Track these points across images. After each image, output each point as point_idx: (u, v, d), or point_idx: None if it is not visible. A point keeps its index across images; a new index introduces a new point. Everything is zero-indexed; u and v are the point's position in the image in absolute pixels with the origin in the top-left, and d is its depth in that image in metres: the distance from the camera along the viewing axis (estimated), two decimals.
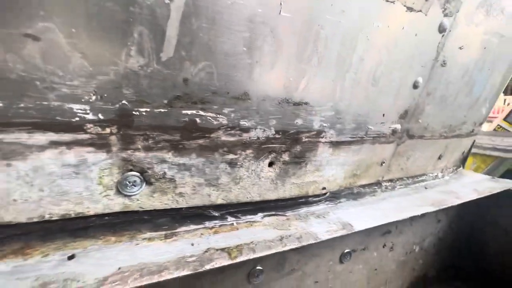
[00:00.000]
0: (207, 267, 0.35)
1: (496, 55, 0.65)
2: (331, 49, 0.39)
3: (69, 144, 0.30)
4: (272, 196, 0.47)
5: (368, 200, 0.61)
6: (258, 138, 0.40)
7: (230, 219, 0.44)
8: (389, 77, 0.47)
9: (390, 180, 0.68)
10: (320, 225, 0.49)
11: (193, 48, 0.31)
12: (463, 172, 0.97)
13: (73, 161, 0.31)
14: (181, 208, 0.40)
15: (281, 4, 0.33)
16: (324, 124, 0.45)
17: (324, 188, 0.53)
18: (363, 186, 0.62)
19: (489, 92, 0.76)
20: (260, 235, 0.43)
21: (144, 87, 0.30)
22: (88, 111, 0.29)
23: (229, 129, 0.37)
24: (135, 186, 0.35)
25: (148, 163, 0.35)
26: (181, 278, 0.44)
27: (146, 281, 0.31)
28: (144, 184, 0.36)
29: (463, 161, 0.99)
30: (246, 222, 0.45)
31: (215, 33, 0.31)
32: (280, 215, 0.49)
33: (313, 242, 0.45)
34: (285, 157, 0.44)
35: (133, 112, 0.31)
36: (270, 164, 0.44)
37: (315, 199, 0.53)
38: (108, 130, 0.31)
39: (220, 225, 0.43)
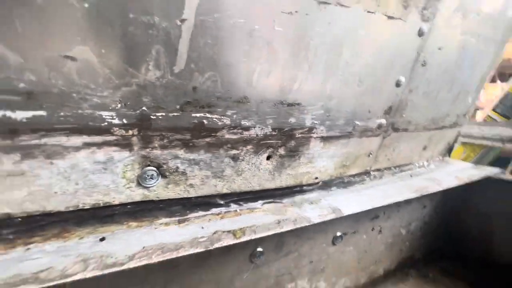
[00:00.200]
0: (216, 245, 0.41)
1: (475, 53, 0.71)
2: (320, 56, 0.44)
3: (99, 145, 0.35)
4: (270, 185, 0.53)
5: (357, 188, 0.68)
6: (257, 135, 0.46)
7: (233, 206, 0.50)
8: (373, 78, 0.53)
9: (378, 170, 0.75)
10: (313, 210, 0.55)
11: (201, 61, 0.36)
12: (449, 160, 1.04)
13: (102, 159, 0.36)
14: (191, 197, 0.46)
15: (274, 20, 0.38)
16: (315, 122, 0.51)
17: (316, 178, 0.59)
18: (353, 175, 0.68)
19: (470, 87, 0.82)
20: (260, 220, 0.49)
21: (160, 95, 0.36)
22: (114, 117, 0.34)
23: (232, 128, 0.43)
24: (152, 179, 0.41)
25: (164, 159, 0.40)
26: (193, 259, 0.51)
27: (167, 256, 0.37)
28: (160, 177, 0.42)
29: (449, 150, 1.06)
30: (248, 208, 0.52)
31: (219, 48, 0.36)
32: (277, 202, 0.55)
33: (307, 224, 0.52)
34: (281, 151, 0.50)
35: (151, 116, 0.37)
36: (268, 158, 0.50)
37: (308, 187, 0.59)
38: (130, 132, 0.36)
39: (225, 212, 0.49)
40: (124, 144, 0.37)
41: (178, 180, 0.43)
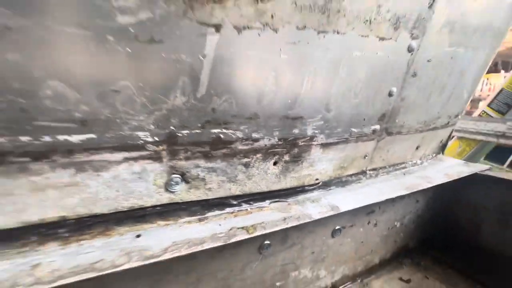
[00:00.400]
0: (233, 240, 0.49)
1: (464, 61, 0.77)
2: (319, 75, 0.51)
3: (135, 159, 0.42)
4: (276, 187, 0.61)
5: (354, 186, 0.75)
6: (265, 145, 0.53)
7: (245, 205, 0.58)
8: (367, 90, 0.60)
9: (374, 169, 0.82)
10: (314, 208, 0.63)
11: (219, 87, 0.43)
12: (442, 158, 1.11)
13: (138, 170, 0.43)
14: (209, 199, 0.54)
15: (280, 50, 0.44)
16: (316, 131, 0.57)
17: (317, 179, 0.66)
18: (350, 175, 0.76)
19: (462, 90, 0.88)
20: (268, 217, 0.57)
21: (185, 116, 0.43)
22: (148, 136, 0.41)
23: (244, 140, 0.50)
24: (177, 185, 0.49)
25: (187, 168, 0.48)
26: (209, 250, 0.58)
27: (193, 249, 0.45)
28: (184, 183, 0.49)
29: (442, 148, 1.12)
30: (257, 207, 0.59)
31: (233, 75, 0.43)
32: (283, 201, 0.63)
33: (309, 220, 0.59)
34: (286, 157, 0.57)
35: (178, 134, 0.43)
36: (275, 163, 0.57)
37: (310, 188, 0.67)
38: (160, 148, 0.43)
39: (238, 211, 0.56)
40: (156, 157, 0.44)
41: (198, 185, 0.51)
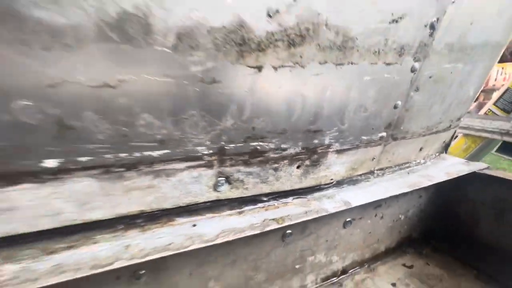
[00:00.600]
0: (267, 229, 0.62)
1: (463, 73, 0.86)
2: (336, 97, 0.62)
3: (194, 167, 0.55)
4: (298, 186, 0.73)
5: (363, 185, 0.87)
6: (291, 153, 0.65)
7: (273, 201, 0.71)
8: (375, 105, 0.71)
9: (381, 169, 0.93)
10: (329, 203, 0.75)
11: (258, 111, 0.55)
12: (444, 157, 1.21)
13: (196, 175, 0.56)
14: (245, 196, 0.67)
15: (305, 83, 0.56)
16: (332, 140, 0.69)
17: (332, 179, 0.78)
18: (360, 175, 0.87)
19: (463, 97, 0.97)
20: (292, 211, 0.69)
21: (232, 134, 0.55)
22: (205, 150, 0.54)
23: (275, 150, 0.62)
24: (222, 185, 0.62)
25: (230, 173, 0.60)
26: (244, 239, 0.71)
27: (237, 236, 0.58)
28: (227, 184, 0.62)
29: (445, 148, 1.22)
30: (283, 203, 0.72)
31: (270, 101, 0.55)
32: (303, 198, 0.75)
33: (325, 214, 0.72)
34: (307, 162, 0.69)
35: (226, 147, 0.56)
36: (298, 167, 0.69)
37: (326, 186, 0.79)
38: (213, 158, 0.56)
39: (268, 206, 0.69)
40: (209, 165, 0.57)
41: (238, 186, 0.63)
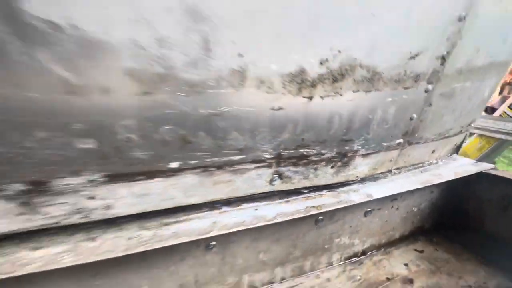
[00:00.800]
0: (309, 213, 0.82)
1: (471, 90, 1.02)
2: (363, 116, 0.81)
3: (259, 167, 0.76)
4: (331, 182, 0.93)
5: (382, 181, 1.05)
6: (328, 157, 0.84)
7: (311, 193, 0.91)
8: (395, 120, 0.88)
9: (397, 169, 1.11)
10: (355, 195, 0.94)
11: (308, 127, 0.74)
12: (456, 157, 1.36)
13: (260, 173, 0.77)
14: (292, 189, 0.87)
15: (343, 104, 0.75)
16: (359, 147, 0.88)
17: (357, 177, 0.98)
18: (380, 173, 1.06)
19: (471, 108, 1.12)
20: (326, 201, 0.89)
21: (288, 143, 0.75)
22: (268, 155, 0.75)
23: (317, 154, 0.82)
24: (276, 181, 0.82)
25: (283, 171, 0.81)
26: (288, 221, 0.91)
27: (289, 217, 0.79)
28: (279, 179, 0.83)
29: (456, 149, 1.37)
30: (318, 195, 0.92)
31: (315, 122, 0.74)
32: (334, 191, 0.95)
33: (352, 204, 0.91)
34: (339, 163, 0.89)
35: (282, 153, 0.76)
36: (331, 167, 0.89)
37: (352, 182, 0.98)
38: (272, 160, 0.77)
39: (308, 196, 0.90)
40: (269, 166, 0.77)
41: (287, 181, 0.84)
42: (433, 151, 1.18)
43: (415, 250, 1.26)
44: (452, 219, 1.37)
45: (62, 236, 0.63)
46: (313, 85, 0.67)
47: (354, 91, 0.74)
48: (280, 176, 0.82)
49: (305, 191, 0.90)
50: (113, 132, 0.55)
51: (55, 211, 0.59)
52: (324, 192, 0.93)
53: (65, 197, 0.59)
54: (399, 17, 0.67)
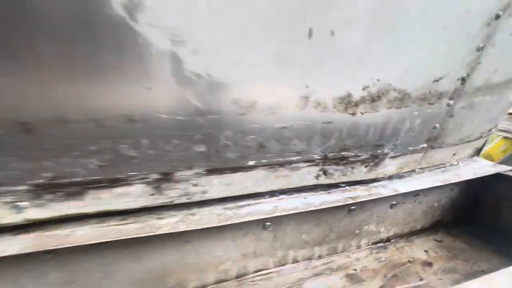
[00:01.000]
0: (347, 202, 1.04)
1: (490, 103, 1.17)
2: (394, 126, 1.00)
3: (310, 166, 0.99)
4: (363, 178, 1.14)
5: (407, 179, 1.24)
6: (363, 158, 1.05)
7: (347, 187, 1.12)
8: (419, 128, 1.07)
9: (421, 168, 1.29)
10: (384, 190, 1.15)
11: (349, 135, 0.96)
12: (476, 159, 1.50)
13: (309, 170, 1.00)
14: (332, 183, 1.09)
15: (377, 119, 0.95)
16: (388, 150, 1.08)
17: (385, 174, 1.18)
18: (405, 172, 1.25)
19: (492, 117, 1.27)
20: (360, 193, 1.11)
21: (333, 147, 0.97)
22: (317, 156, 0.97)
23: (354, 156, 1.03)
24: (321, 176, 1.04)
25: (327, 169, 1.03)
26: (322, 210, 1.13)
27: (331, 205, 1.01)
28: (324, 175, 1.05)
29: (477, 152, 1.51)
30: (353, 188, 1.13)
31: (356, 131, 0.95)
32: (366, 186, 1.16)
33: (381, 196, 1.12)
34: (371, 163, 1.09)
35: (328, 155, 0.98)
36: (365, 166, 1.10)
37: (381, 179, 1.18)
38: (320, 160, 0.99)
39: (345, 189, 1.11)
40: (316, 164, 1.00)
41: (329, 176, 1.06)
42: (454, 154, 1.34)
43: (435, 240, 1.43)
44: (470, 214, 1.53)
45: (174, 211, 0.89)
46: (356, 104, 0.88)
47: (387, 108, 0.94)
48: (325, 172, 1.04)
49: (343, 185, 1.12)
50: (218, 139, 0.80)
51: (172, 193, 0.86)
52: (357, 186, 1.14)
53: (179, 184, 0.85)
54: (426, 52, 0.86)
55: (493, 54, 0.97)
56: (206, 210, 0.92)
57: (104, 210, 0.81)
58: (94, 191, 0.76)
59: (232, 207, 0.95)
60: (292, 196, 1.04)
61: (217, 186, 0.90)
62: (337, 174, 1.07)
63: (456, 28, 0.86)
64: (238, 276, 1.12)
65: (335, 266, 1.23)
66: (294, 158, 0.94)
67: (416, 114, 1.01)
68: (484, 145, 1.51)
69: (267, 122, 0.82)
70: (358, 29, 0.73)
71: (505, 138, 2.20)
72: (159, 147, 0.75)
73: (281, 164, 0.94)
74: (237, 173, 0.90)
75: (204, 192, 0.90)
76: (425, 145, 1.16)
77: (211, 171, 0.86)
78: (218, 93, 0.72)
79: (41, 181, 0.70)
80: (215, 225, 0.88)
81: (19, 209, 0.72)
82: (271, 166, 0.93)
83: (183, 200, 0.89)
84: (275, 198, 1.01)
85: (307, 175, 1.01)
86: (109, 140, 0.70)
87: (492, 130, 1.42)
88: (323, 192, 1.09)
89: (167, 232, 0.82)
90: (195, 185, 0.87)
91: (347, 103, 0.87)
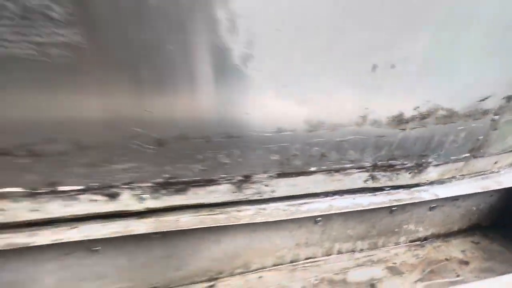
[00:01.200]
0: (393, 204, 1.19)
1: None
2: (440, 140, 1.12)
3: (360, 172, 1.15)
4: (407, 183, 1.27)
5: (448, 185, 1.35)
6: (408, 166, 1.19)
7: (392, 191, 1.27)
8: (463, 140, 1.18)
9: (462, 175, 1.39)
10: (425, 194, 1.27)
11: (398, 147, 1.10)
12: None
13: (360, 175, 1.16)
14: (378, 186, 1.24)
15: (425, 133, 1.08)
16: (432, 160, 1.20)
17: (427, 180, 1.30)
18: (446, 178, 1.36)
19: None
20: (403, 197, 1.25)
21: (382, 157, 1.12)
22: (367, 164, 1.12)
23: (400, 164, 1.17)
24: (368, 181, 1.20)
25: (375, 174, 1.18)
26: (370, 209, 1.29)
27: (378, 206, 1.17)
28: (371, 180, 1.20)
29: None
30: (397, 192, 1.27)
31: (404, 143, 1.09)
32: (409, 189, 1.29)
33: (423, 200, 1.25)
34: (416, 171, 1.23)
35: (377, 163, 1.13)
36: (409, 173, 1.23)
37: (423, 184, 1.31)
38: (369, 167, 1.14)
39: (389, 192, 1.26)
40: (366, 171, 1.15)
41: (376, 181, 1.21)
42: (495, 162, 1.42)
43: (472, 241, 1.53)
44: (508, 220, 1.59)
45: (249, 205, 1.11)
46: (407, 121, 1.02)
47: (435, 124, 1.06)
48: (373, 177, 1.19)
49: (387, 188, 1.26)
50: (289, 150, 0.99)
51: (248, 191, 1.07)
52: (400, 190, 1.28)
53: (255, 184, 1.06)
54: (474, 77, 0.97)
55: None
56: (273, 206, 1.12)
57: (199, 203, 1.04)
58: (194, 188, 0.99)
59: (294, 204, 1.14)
60: (343, 196, 1.21)
61: (283, 187, 1.09)
62: (383, 179, 1.21)
63: (502, 55, 0.96)
64: (292, 261, 1.32)
65: (376, 259, 1.39)
66: (348, 165, 1.11)
67: (461, 128, 1.12)
68: None
69: (329, 136, 0.99)
70: (415, 62, 0.87)
71: None
72: (246, 156, 0.95)
73: (337, 170, 1.11)
74: (300, 177, 1.08)
75: (273, 191, 1.10)
76: (467, 154, 1.26)
77: (280, 175, 1.06)
78: (296, 116, 0.90)
79: (160, 180, 0.94)
80: (283, 218, 1.08)
81: (142, 200, 0.97)
82: (328, 171, 1.10)
83: (256, 197, 1.09)
84: (329, 198, 1.19)
85: (358, 179, 1.17)
86: (212, 151, 0.91)
87: None
88: (369, 194, 1.24)
89: (246, 222, 1.04)
90: (266, 185, 1.07)
91: (399, 120, 1.01)
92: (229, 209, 1.07)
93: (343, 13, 0.76)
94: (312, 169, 1.07)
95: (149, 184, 0.94)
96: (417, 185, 1.31)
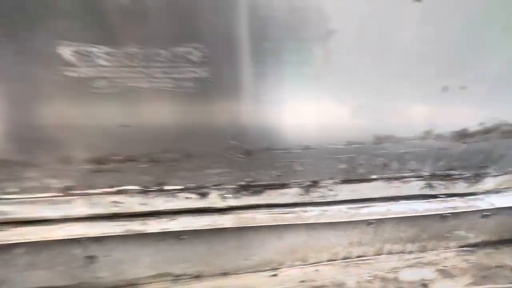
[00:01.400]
0: (446, 211, 1.26)
1: None
2: (495, 155, 1.16)
3: (418, 180, 1.22)
4: (463, 192, 1.32)
5: (503, 194, 1.37)
6: (466, 176, 1.24)
7: (447, 198, 1.33)
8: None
9: (507, 188, 1.40)
10: (481, 203, 1.32)
11: (458, 159, 1.16)
12: None
13: (417, 183, 1.24)
14: (435, 194, 1.31)
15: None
16: (491, 171, 1.24)
17: (484, 190, 1.34)
18: (501, 189, 1.38)
19: None
20: (457, 205, 1.30)
21: (440, 167, 1.19)
22: (426, 173, 1.20)
23: (458, 175, 1.23)
24: (426, 188, 1.27)
25: (432, 183, 1.25)
26: (409, 216, 1.35)
27: (429, 213, 1.24)
28: (429, 188, 1.27)
29: None
30: (452, 199, 1.33)
31: (464, 155, 1.15)
32: (463, 198, 1.34)
33: (478, 209, 1.30)
34: (473, 180, 1.27)
35: (435, 173, 1.20)
36: (466, 183, 1.28)
37: (479, 193, 1.35)
38: (427, 176, 1.22)
39: (443, 200, 1.32)
40: (424, 179, 1.23)
41: (433, 189, 1.28)
42: None
43: None
44: None
45: (312, 207, 1.24)
46: (471, 135, 1.08)
47: (498, 138, 1.11)
48: (430, 185, 1.27)
49: (442, 196, 1.33)
50: (356, 160, 1.10)
51: (313, 195, 1.20)
52: (456, 198, 1.34)
53: (320, 189, 1.18)
54: None
55: None
56: (334, 208, 1.24)
57: (271, 203, 1.19)
58: (269, 190, 1.14)
59: (354, 208, 1.25)
60: (400, 202, 1.29)
61: (345, 191, 1.21)
62: (439, 187, 1.28)
63: None
64: (345, 258, 1.44)
65: (426, 261, 1.47)
66: (407, 174, 1.19)
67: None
68: None
69: (394, 148, 1.08)
70: (487, 82, 0.93)
71: None
72: (317, 164, 1.08)
73: (396, 178, 1.20)
74: (362, 183, 1.19)
75: (335, 195, 1.22)
76: None
77: (344, 181, 1.17)
78: (366, 130, 1.01)
79: (243, 183, 1.10)
80: (345, 220, 1.20)
81: (225, 199, 1.14)
82: (388, 179, 1.20)
83: (319, 199, 1.22)
84: (386, 203, 1.28)
85: (414, 187, 1.25)
86: (288, 160, 1.05)
87: None
88: (424, 200, 1.31)
89: (313, 222, 1.18)
90: (330, 190, 1.19)
91: (462, 135, 1.08)
92: (296, 209, 1.21)
93: (420, 42, 0.84)
94: (374, 176, 1.17)
95: (233, 186, 1.11)
96: (472, 193, 1.35)
